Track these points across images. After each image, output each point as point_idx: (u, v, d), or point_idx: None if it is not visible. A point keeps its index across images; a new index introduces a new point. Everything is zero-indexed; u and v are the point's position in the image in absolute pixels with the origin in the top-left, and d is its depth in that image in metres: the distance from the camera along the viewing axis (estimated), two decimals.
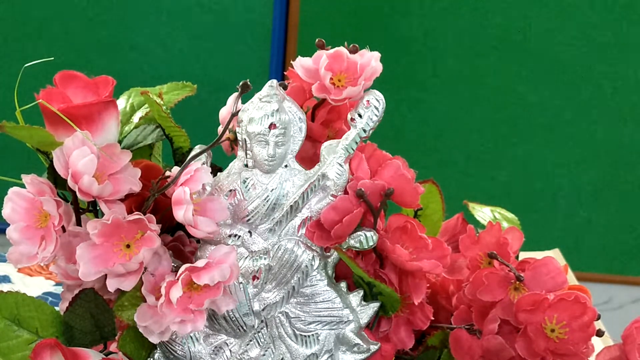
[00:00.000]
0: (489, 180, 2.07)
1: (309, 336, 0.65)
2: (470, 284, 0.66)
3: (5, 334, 0.64)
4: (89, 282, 0.64)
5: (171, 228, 0.68)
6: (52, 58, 0.69)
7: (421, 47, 2.00)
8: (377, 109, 0.64)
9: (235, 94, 0.64)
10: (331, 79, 0.64)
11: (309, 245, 0.64)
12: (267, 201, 0.63)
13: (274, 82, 0.64)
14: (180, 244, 0.67)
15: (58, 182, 0.63)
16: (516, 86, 2.02)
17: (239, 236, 0.64)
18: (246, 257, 0.64)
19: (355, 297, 0.65)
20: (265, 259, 0.64)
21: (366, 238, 0.63)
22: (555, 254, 1.07)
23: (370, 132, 0.64)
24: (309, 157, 0.68)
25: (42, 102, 0.62)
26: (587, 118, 2.03)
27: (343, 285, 0.66)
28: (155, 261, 0.61)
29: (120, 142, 0.68)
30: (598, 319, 0.64)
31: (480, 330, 0.66)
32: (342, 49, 0.65)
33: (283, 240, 0.64)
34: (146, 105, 0.70)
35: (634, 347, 0.66)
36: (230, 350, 0.65)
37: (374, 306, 0.66)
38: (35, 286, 1.04)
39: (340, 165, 0.64)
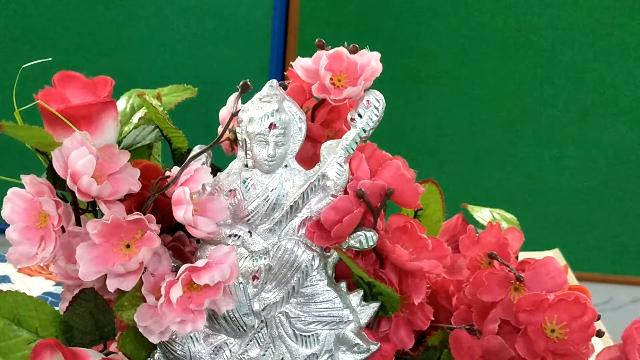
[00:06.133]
0: (489, 180, 2.07)
1: (309, 336, 0.65)
2: (470, 284, 0.66)
3: (5, 334, 0.64)
4: (89, 282, 0.64)
5: (171, 228, 0.68)
6: (51, 58, 0.69)
7: (421, 47, 2.00)
8: (377, 109, 0.64)
9: (235, 94, 0.64)
10: (331, 79, 0.64)
11: (309, 245, 0.64)
12: (267, 201, 0.63)
13: (274, 82, 0.64)
14: (180, 244, 0.67)
15: (57, 182, 0.63)
16: (516, 86, 2.02)
17: (239, 236, 0.64)
18: (246, 257, 0.64)
19: (355, 297, 0.65)
20: (265, 259, 0.64)
21: (366, 238, 0.63)
22: (555, 254, 1.07)
23: (370, 132, 0.64)
24: (309, 157, 0.68)
25: (40, 102, 0.61)
26: (587, 118, 2.03)
27: (343, 285, 0.66)
28: (155, 261, 0.61)
29: (119, 142, 0.68)
30: (598, 319, 0.64)
31: (480, 331, 0.66)
32: (342, 49, 0.65)
33: (283, 240, 0.64)
34: None
35: (634, 347, 0.66)
36: (230, 350, 0.65)
37: (374, 306, 0.65)
38: (35, 286, 1.04)
39: (340, 165, 0.64)
